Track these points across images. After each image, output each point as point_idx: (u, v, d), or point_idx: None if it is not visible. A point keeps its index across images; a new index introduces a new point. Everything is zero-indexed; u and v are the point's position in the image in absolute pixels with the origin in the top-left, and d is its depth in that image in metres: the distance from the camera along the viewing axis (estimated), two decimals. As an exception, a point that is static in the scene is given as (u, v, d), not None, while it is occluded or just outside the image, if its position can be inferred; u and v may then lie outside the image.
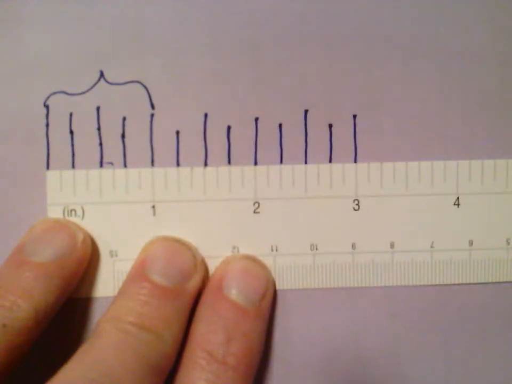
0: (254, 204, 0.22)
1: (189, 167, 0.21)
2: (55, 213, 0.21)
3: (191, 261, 0.21)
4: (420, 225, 0.22)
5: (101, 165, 0.21)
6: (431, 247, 0.22)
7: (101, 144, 0.21)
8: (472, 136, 0.22)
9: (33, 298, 0.19)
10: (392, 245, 0.22)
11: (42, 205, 0.21)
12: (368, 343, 0.22)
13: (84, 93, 0.21)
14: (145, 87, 0.21)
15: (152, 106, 0.21)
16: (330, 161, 0.22)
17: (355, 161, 0.22)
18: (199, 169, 0.22)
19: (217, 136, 0.21)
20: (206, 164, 0.22)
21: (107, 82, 0.21)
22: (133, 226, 0.21)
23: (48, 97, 0.21)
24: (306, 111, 0.22)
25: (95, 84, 0.21)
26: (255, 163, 0.22)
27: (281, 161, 0.22)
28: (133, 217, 0.21)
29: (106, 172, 0.21)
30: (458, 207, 0.22)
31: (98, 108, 0.21)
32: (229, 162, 0.22)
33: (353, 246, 0.22)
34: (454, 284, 0.22)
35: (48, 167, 0.21)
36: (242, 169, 0.22)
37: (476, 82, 0.22)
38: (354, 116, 0.22)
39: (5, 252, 0.20)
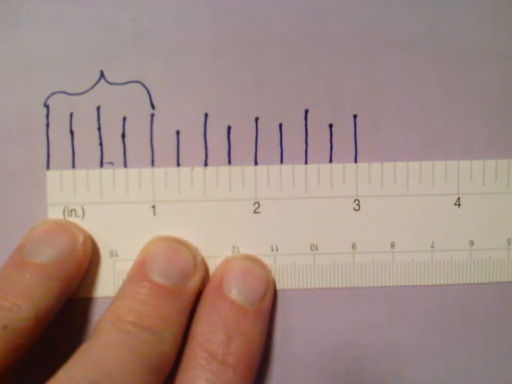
0: (254, 203, 0.22)
1: (189, 167, 0.21)
2: (55, 213, 0.21)
3: (191, 260, 0.21)
4: (421, 226, 0.22)
5: (101, 165, 0.21)
6: (432, 247, 0.22)
7: (101, 144, 0.21)
8: (473, 136, 0.22)
9: (33, 299, 0.19)
10: (392, 245, 0.22)
11: (42, 205, 0.21)
12: (368, 343, 0.22)
13: (84, 93, 0.21)
14: (145, 87, 0.21)
15: (152, 106, 0.21)
16: (330, 161, 0.22)
17: (355, 161, 0.22)
18: (199, 169, 0.22)
19: (217, 136, 0.21)
20: (206, 164, 0.22)
21: (107, 82, 0.21)
22: (133, 226, 0.21)
23: (48, 97, 0.21)
24: (306, 111, 0.22)
25: (95, 84, 0.21)
26: (255, 163, 0.22)
27: (281, 161, 0.22)
28: (133, 217, 0.21)
29: (107, 171, 0.21)
30: (459, 207, 0.22)
31: (98, 108, 0.21)
32: (229, 162, 0.22)
33: (353, 246, 0.22)
34: (455, 284, 0.22)
35: (48, 167, 0.21)
36: (242, 169, 0.22)
37: (477, 82, 0.22)
38: (355, 116, 0.22)
39: (5, 252, 0.20)
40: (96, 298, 0.22)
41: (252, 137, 0.22)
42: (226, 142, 0.22)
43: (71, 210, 0.21)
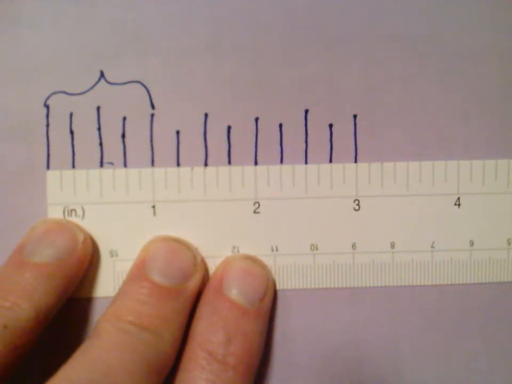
0: (254, 203, 0.22)
1: (189, 167, 0.21)
2: (55, 213, 0.21)
3: (191, 260, 0.21)
4: (421, 226, 0.22)
5: (101, 165, 0.21)
6: (432, 247, 0.22)
7: (101, 144, 0.21)
8: (473, 136, 0.22)
9: (34, 299, 0.19)
10: (392, 245, 0.22)
11: (42, 205, 0.21)
12: (368, 343, 0.22)
13: (84, 93, 0.21)
14: (145, 87, 0.21)
15: (152, 106, 0.21)
16: (330, 161, 0.22)
17: (355, 161, 0.22)
18: (199, 169, 0.22)
19: (217, 136, 0.21)
20: (206, 164, 0.22)
21: (107, 82, 0.21)
22: (133, 226, 0.21)
23: (48, 97, 0.21)
24: (306, 111, 0.22)
25: (95, 84, 0.21)
26: (255, 163, 0.22)
27: (281, 161, 0.22)
28: (133, 217, 0.21)
29: (107, 171, 0.21)
30: (459, 207, 0.22)
31: (98, 108, 0.21)
32: (229, 162, 0.22)
33: (353, 246, 0.22)
34: (455, 284, 0.22)
35: (48, 167, 0.21)
36: (242, 169, 0.22)
37: (477, 81, 0.22)
38: (355, 116, 0.22)
39: (5, 252, 0.20)
40: (96, 298, 0.22)
41: (252, 137, 0.22)
42: (226, 142, 0.22)
43: (71, 210, 0.21)
